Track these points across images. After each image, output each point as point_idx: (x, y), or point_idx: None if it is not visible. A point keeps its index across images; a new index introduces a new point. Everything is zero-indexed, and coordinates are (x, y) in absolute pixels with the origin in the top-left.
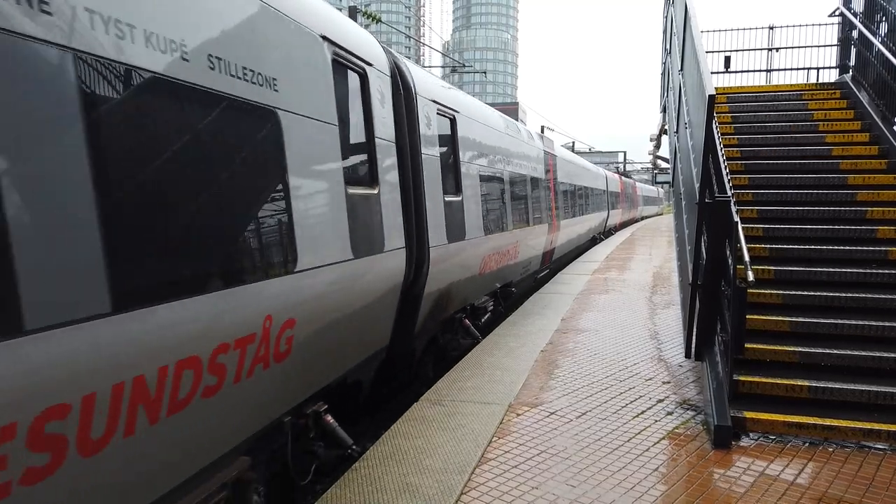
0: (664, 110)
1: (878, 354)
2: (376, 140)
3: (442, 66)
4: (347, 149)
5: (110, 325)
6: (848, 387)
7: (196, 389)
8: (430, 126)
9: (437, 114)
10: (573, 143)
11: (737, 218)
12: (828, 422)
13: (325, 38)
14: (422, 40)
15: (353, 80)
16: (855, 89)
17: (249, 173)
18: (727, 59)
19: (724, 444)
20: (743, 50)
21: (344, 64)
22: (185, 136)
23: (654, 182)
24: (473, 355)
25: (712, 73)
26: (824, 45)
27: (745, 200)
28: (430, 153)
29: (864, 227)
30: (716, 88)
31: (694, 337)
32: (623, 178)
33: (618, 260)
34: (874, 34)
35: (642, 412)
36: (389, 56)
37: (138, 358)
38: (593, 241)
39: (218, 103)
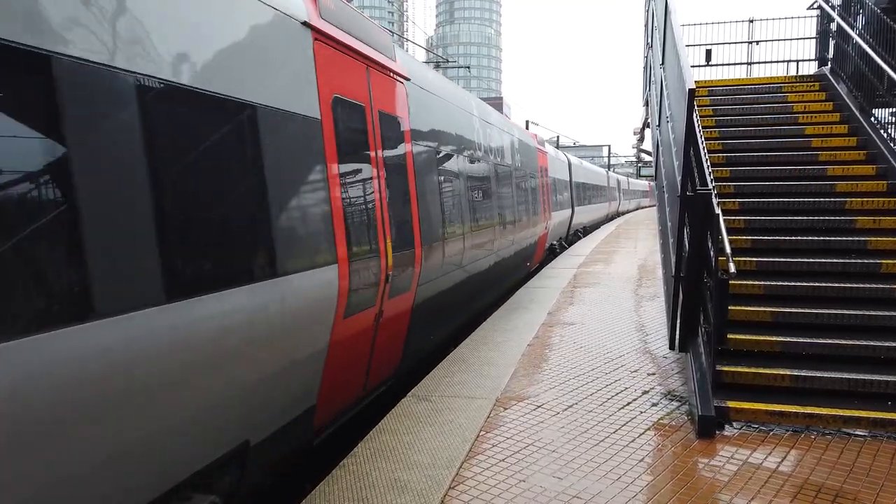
0: (647, 104)
1: (857, 343)
2: None
3: (426, 62)
4: None
5: None
6: (828, 375)
7: None
8: None
9: None
10: (558, 137)
11: (718, 210)
12: (809, 410)
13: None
14: (405, 35)
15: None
16: (833, 81)
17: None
18: (708, 53)
19: (708, 433)
20: (723, 43)
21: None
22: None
23: (639, 175)
24: (460, 351)
25: (693, 66)
26: (803, 38)
27: (726, 193)
28: None
29: (843, 218)
30: (697, 82)
31: (678, 328)
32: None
33: (603, 253)
34: (851, 27)
35: (628, 403)
36: None
37: None
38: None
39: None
